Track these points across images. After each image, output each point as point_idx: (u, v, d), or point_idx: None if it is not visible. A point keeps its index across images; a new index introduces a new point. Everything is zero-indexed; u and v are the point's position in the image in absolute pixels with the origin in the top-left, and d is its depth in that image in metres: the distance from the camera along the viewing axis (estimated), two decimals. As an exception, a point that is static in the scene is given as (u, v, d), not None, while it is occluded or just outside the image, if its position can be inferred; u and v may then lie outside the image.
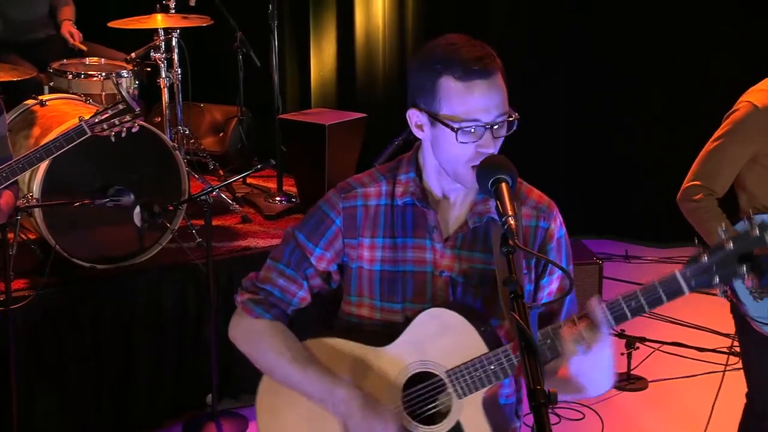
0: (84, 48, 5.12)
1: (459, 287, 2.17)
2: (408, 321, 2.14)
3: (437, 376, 2.11)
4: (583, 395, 2.11)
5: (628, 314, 1.99)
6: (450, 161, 2.10)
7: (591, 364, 1.99)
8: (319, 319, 2.35)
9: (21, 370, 3.74)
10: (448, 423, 2.10)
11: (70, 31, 5.19)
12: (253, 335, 2.25)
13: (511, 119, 2.08)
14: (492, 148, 2.06)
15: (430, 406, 2.13)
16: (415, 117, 2.14)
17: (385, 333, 2.16)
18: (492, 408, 2.13)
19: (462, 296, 2.17)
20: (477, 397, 2.09)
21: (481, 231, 2.17)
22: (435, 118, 2.08)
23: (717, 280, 1.91)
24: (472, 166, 2.07)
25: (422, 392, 2.14)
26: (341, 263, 2.24)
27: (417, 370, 2.13)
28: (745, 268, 1.89)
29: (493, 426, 2.10)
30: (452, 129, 2.04)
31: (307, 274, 2.24)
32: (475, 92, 2.04)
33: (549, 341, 2.02)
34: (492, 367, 2.06)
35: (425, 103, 2.09)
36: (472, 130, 2.04)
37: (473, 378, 2.07)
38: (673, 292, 1.96)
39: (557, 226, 2.22)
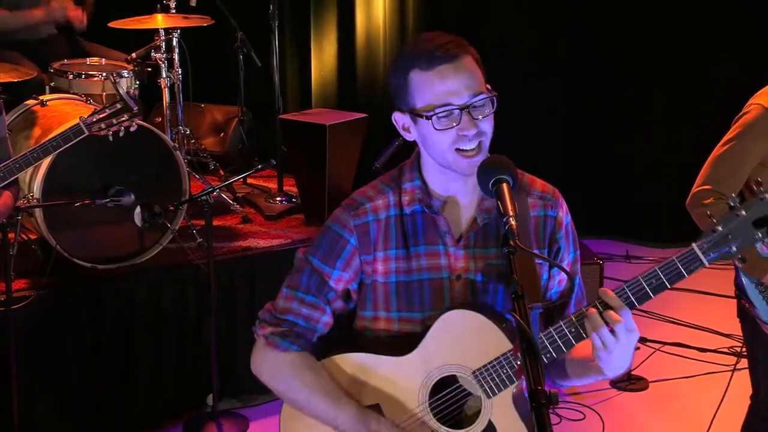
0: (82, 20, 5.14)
1: (478, 287, 2.16)
2: (427, 328, 2.12)
3: (464, 378, 2.10)
4: (598, 377, 2.10)
5: (650, 293, 1.97)
6: (438, 152, 2.10)
7: (617, 348, 1.95)
8: (331, 338, 2.31)
9: (21, 370, 3.74)
10: (480, 424, 2.08)
11: (76, 16, 5.19)
12: (283, 370, 2.21)
13: (486, 97, 2.07)
14: (473, 128, 2.06)
15: (459, 409, 2.12)
16: (400, 120, 2.15)
17: (405, 343, 2.14)
18: (523, 403, 2.11)
19: (482, 296, 2.16)
20: (507, 395, 2.07)
21: (492, 227, 2.16)
22: (414, 114, 2.09)
23: (735, 248, 1.90)
24: (456, 149, 2.07)
25: (450, 396, 2.12)
26: (359, 281, 2.21)
27: (442, 375, 2.11)
28: (760, 233, 1.88)
29: (526, 422, 2.09)
30: (426, 118, 2.05)
31: (329, 299, 2.20)
32: (442, 77, 2.05)
33: (573, 329, 2.00)
34: (518, 362, 2.05)
35: (404, 103, 2.11)
36: (446, 115, 2.05)
37: (501, 375, 2.06)
38: (693, 265, 1.94)
39: (564, 213, 2.23)
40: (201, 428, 4.11)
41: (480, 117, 2.07)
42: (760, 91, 2.96)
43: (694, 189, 2.95)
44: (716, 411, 3.49)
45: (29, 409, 3.89)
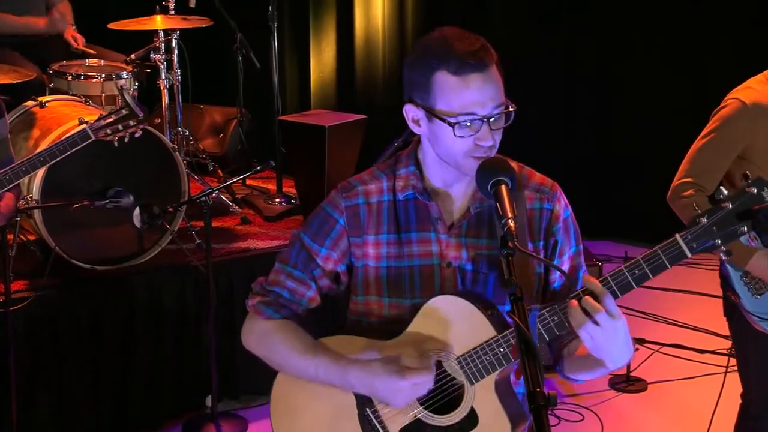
0: (91, 51, 5.12)
1: (468, 275, 2.17)
2: (415, 313, 2.14)
3: (448, 363, 2.11)
4: (604, 370, 2.10)
5: (633, 283, 1.98)
6: (450, 155, 2.11)
7: (605, 337, 1.97)
8: (327, 322, 2.34)
9: (20, 371, 3.75)
10: (462, 410, 2.10)
11: (73, 35, 5.19)
12: (265, 336, 2.26)
13: (508, 110, 2.08)
14: (490, 140, 2.07)
15: (442, 395, 2.13)
16: (411, 112, 2.14)
17: (393, 329, 2.16)
18: (506, 392, 2.12)
19: (472, 285, 2.17)
20: (489, 382, 2.08)
21: (485, 216, 2.18)
22: (431, 113, 2.08)
23: (719, 241, 1.90)
24: (472, 157, 2.08)
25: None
26: (349, 264, 2.24)
27: None
28: (745, 226, 1.87)
29: (509, 410, 2.09)
30: (449, 124, 2.05)
31: (315, 275, 2.24)
32: (470, 86, 2.04)
33: (556, 318, 2.01)
34: (501, 350, 2.06)
35: (421, 99, 2.10)
36: (469, 124, 2.05)
37: (483, 362, 2.07)
38: (676, 256, 1.94)
39: (562, 206, 2.23)
40: (200, 429, 4.11)
41: (497, 128, 2.08)
42: (739, 86, 2.98)
43: (675, 182, 2.97)
44: (714, 412, 3.49)
45: (28, 410, 3.89)
